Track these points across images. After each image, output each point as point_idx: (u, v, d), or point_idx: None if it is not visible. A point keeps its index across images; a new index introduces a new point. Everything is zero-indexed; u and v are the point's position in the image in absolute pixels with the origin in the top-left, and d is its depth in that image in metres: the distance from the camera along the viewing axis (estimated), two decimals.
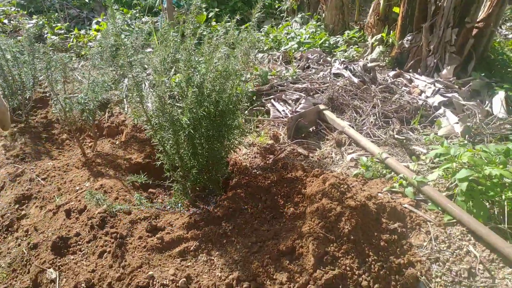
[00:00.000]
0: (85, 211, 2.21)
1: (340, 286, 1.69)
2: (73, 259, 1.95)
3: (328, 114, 2.82)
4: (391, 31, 4.17)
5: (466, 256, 1.84)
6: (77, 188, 2.44)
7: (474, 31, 3.76)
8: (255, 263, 1.85)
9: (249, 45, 2.10)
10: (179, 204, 2.25)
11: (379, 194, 2.18)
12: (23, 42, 3.36)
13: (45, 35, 4.57)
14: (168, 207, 2.35)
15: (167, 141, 2.18)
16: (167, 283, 1.72)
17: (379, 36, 4.03)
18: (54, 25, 4.98)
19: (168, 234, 2.03)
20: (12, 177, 2.63)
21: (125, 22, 4.44)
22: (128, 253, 1.93)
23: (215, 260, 1.90)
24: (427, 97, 3.28)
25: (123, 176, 2.60)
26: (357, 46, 4.53)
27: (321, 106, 2.88)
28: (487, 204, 2.04)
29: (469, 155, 2.07)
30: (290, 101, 3.09)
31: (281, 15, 6.48)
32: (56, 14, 5.36)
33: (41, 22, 4.92)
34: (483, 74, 3.66)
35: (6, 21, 5.24)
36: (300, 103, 3.03)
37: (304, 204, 2.14)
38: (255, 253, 1.91)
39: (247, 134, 2.36)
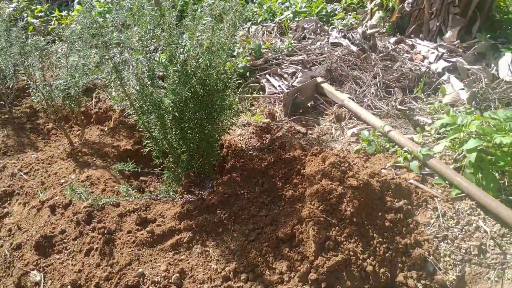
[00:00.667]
0: (71, 205, 2.09)
1: (344, 273, 1.59)
2: (58, 258, 1.85)
3: (327, 87, 2.65)
4: None
5: (476, 232, 1.73)
6: (62, 181, 2.32)
7: None
8: (253, 252, 1.74)
9: (236, 16, 1.92)
10: (171, 192, 2.12)
11: (383, 170, 2.05)
12: None
13: (25, 19, 4.36)
14: (160, 196, 2.23)
15: (154, 126, 2.04)
16: (159, 280, 1.62)
17: (378, 0, 3.79)
18: (34, 7, 4.74)
19: (159, 226, 1.92)
20: None
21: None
22: (116, 249, 1.83)
23: (210, 251, 1.80)
24: (430, 63, 3.09)
25: (111, 166, 2.47)
26: (355, 13, 4.29)
27: (319, 79, 2.70)
28: (497, 175, 1.91)
29: (477, 124, 1.93)
30: (286, 75, 2.92)
31: None
32: None
33: (22, 6, 4.69)
34: (488, 35, 3.45)
35: None
36: (296, 77, 2.86)
37: (303, 186, 2.01)
38: (253, 241, 1.80)
39: (241, 114, 2.20)
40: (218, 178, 2.30)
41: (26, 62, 2.45)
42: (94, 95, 3.26)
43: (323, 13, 4.27)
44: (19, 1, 5.05)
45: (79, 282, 1.71)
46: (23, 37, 2.60)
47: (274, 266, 1.68)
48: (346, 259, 1.61)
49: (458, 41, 3.36)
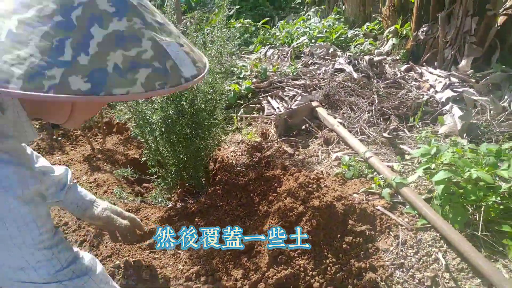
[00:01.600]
0: None
1: (291, 287, 1.68)
2: None
3: (320, 111, 2.76)
4: (409, 22, 3.95)
5: (434, 264, 1.74)
6: (75, 181, 2.60)
7: (502, 19, 3.45)
8: (216, 258, 1.88)
9: (221, 43, 2.11)
10: (160, 199, 2.33)
11: (355, 195, 2.11)
12: None
13: None
14: (154, 202, 2.44)
15: (148, 138, 2.27)
16: (131, 273, 1.81)
17: (392, 27, 3.83)
18: None
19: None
20: None
21: None
22: (103, 243, 2.05)
23: (181, 254, 1.96)
24: (436, 92, 3.08)
25: (117, 171, 2.73)
26: (373, 39, 4.35)
27: (314, 103, 2.82)
28: (469, 209, 1.90)
29: (450, 156, 1.94)
30: (286, 98, 3.06)
31: (303, 9, 6.38)
32: None
33: None
34: (504, 66, 3.36)
35: None
36: (295, 100, 2.99)
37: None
38: (220, 250, 1.94)
39: (227, 133, 2.38)
40: (207, 190, 2.48)
41: None
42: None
43: (342, 38, 4.37)
44: None
45: None
46: None
47: (231, 273, 1.81)
48: (295, 273, 1.70)
49: (472, 70, 3.30)
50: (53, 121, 1.01)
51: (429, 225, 1.86)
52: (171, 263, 1.92)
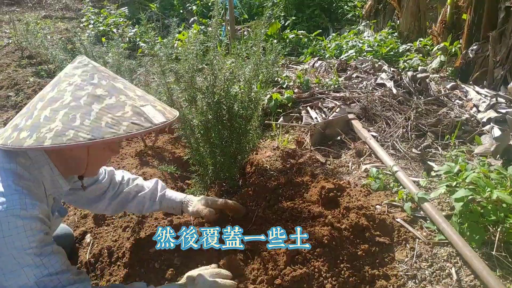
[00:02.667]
0: None
1: (305, 285, 1.82)
2: (105, 229, 2.42)
3: (355, 123, 2.86)
4: (460, 40, 3.89)
5: (446, 278, 1.79)
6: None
7: None
8: (238, 254, 2.08)
9: (258, 57, 2.31)
10: (197, 195, 2.58)
11: (378, 206, 2.20)
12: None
13: (138, 43, 5.41)
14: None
15: (191, 139, 2.54)
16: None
17: (441, 44, 3.80)
18: (144, 34, 5.83)
19: (178, 218, 2.37)
20: None
21: (201, 31, 4.99)
22: (143, 229, 2.33)
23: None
24: (478, 111, 3.04)
25: (162, 166, 3.04)
26: (423, 55, 4.31)
27: (350, 116, 2.92)
28: (490, 229, 1.92)
29: (473, 175, 1.97)
30: (325, 109, 3.19)
31: (358, 21, 6.42)
32: (153, 23, 6.25)
33: (138, 31, 5.84)
34: None
35: (115, 30, 6.31)
36: (334, 112, 3.12)
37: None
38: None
39: (261, 139, 2.57)
40: (240, 190, 2.69)
41: None
42: None
43: (392, 53, 4.38)
44: (139, 27, 6.25)
45: (112, 248, 2.24)
46: (121, 60, 3.39)
47: (252, 267, 1.99)
48: (309, 273, 1.83)
49: None
50: (77, 173, 1.52)
51: (446, 241, 1.91)
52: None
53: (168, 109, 1.44)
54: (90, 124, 1.19)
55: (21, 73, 5.87)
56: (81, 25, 7.23)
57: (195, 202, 2.04)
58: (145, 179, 2.85)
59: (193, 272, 1.74)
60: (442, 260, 1.85)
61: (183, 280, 1.73)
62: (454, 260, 1.85)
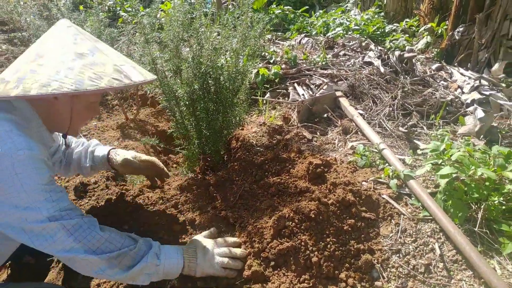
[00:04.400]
0: None
1: (291, 258, 1.82)
2: (87, 201, 2.34)
3: (343, 101, 2.84)
4: (446, 22, 3.89)
5: (430, 253, 1.82)
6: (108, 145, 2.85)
7: None
8: (224, 222, 2.06)
9: (247, 26, 2.24)
10: (183, 169, 2.52)
11: (364, 182, 2.21)
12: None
13: (118, 12, 5.18)
14: (177, 172, 2.64)
15: (176, 111, 2.46)
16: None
17: (428, 25, 3.80)
18: (125, 2, 5.58)
19: (162, 192, 2.32)
20: None
21: (186, 1, 4.80)
22: (125, 202, 2.27)
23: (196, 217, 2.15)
24: (462, 93, 3.08)
25: (144, 139, 2.95)
26: (410, 36, 4.31)
27: (338, 93, 2.90)
28: (472, 207, 1.96)
29: (459, 154, 1.99)
30: (312, 86, 3.15)
31: None
32: None
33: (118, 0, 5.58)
34: None
35: None
36: (321, 89, 3.08)
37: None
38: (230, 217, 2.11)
39: (248, 113, 2.52)
40: (228, 165, 2.65)
41: None
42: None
43: (378, 32, 4.36)
44: None
45: None
46: (101, 28, 3.23)
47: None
48: (296, 247, 1.83)
49: (504, 75, 3.26)
50: (61, 130, 1.58)
51: (430, 217, 1.94)
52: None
53: (146, 72, 1.53)
54: (73, 77, 1.28)
55: None
56: None
57: (122, 153, 2.03)
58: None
59: (200, 238, 1.77)
60: (426, 236, 1.89)
61: (190, 243, 1.72)
62: (438, 236, 1.88)
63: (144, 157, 2.07)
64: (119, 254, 1.38)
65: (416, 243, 1.87)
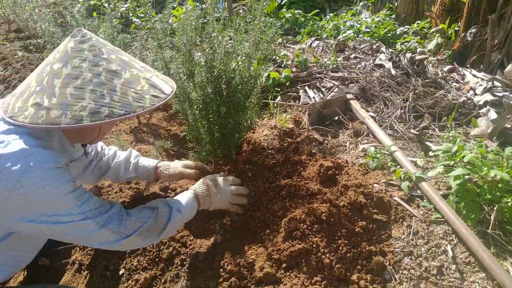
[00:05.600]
0: None
1: (303, 260, 1.83)
2: None
3: (354, 104, 2.85)
4: (458, 23, 3.87)
5: (442, 255, 1.82)
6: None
7: None
8: (238, 227, 2.09)
9: (259, 31, 2.27)
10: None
11: (375, 184, 2.21)
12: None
13: (130, 18, 5.27)
14: None
15: (189, 114, 2.50)
16: None
17: (439, 27, 3.78)
18: (138, 9, 5.68)
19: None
20: None
21: (197, 7, 4.87)
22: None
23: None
24: (475, 94, 3.06)
25: (158, 142, 3.00)
26: (421, 38, 4.29)
27: (349, 96, 2.91)
28: (485, 208, 1.95)
29: (471, 155, 1.99)
30: (323, 89, 3.17)
31: (355, 2, 6.34)
32: None
33: (131, 7, 5.68)
34: None
35: (106, 4, 6.13)
36: (332, 92, 3.10)
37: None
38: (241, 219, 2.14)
39: (260, 116, 2.55)
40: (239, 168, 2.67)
41: None
42: None
43: (389, 35, 4.35)
44: (131, 2, 6.08)
45: None
46: (115, 34, 3.30)
47: (250, 242, 2.00)
48: (307, 249, 1.85)
49: None
50: (85, 142, 1.57)
51: (443, 219, 1.93)
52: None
53: (167, 78, 1.54)
54: (119, 100, 1.28)
55: (8, 47, 5.70)
56: None
57: (173, 165, 2.08)
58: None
59: (211, 176, 1.90)
60: (438, 238, 1.88)
61: (203, 182, 1.84)
62: (450, 238, 1.88)
63: (192, 164, 2.13)
64: (148, 226, 1.50)
65: (428, 245, 1.87)
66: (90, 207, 1.35)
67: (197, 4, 5.24)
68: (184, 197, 1.72)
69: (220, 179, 1.89)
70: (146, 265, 1.94)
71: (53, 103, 1.26)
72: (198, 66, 2.18)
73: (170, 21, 5.13)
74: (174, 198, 1.71)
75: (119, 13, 5.92)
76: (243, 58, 2.30)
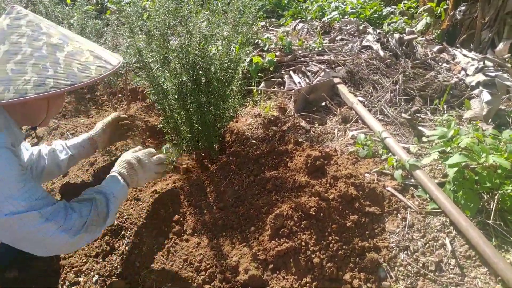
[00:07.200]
0: (95, 163, 2.46)
1: (291, 260, 1.69)
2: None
3: (341, 88, 2.69)
4: (447, 1, 3.72)
5: (440, 249, 1.70)
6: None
7: None
8: (220, 224, 1.93)
9: (236, 11, 2.07)
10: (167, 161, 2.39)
11: (366, 174, 2.07)
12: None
13: (105, 4, 4.98)
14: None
15: (165, 105, 2.30)
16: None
17: (427, 6, 3.62)
18: None
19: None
20: (49, 131, 3.01)
21: None
22: None
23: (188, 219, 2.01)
24: (467, 75, 2.93)
25: (136, 136, 2.81)
26: (409, 18, 4.14)
27: (336, 80, 2.75)
28: (484, 197, 1.83)
29: (468, 140, 1.85)
30: (309, 73, 2.99)
31: None
32: None
33: None
34: None
35: None
36: (318, 76, 2.93)
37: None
38: (225, 215, 1.98)
39: (242, 105, 2.37)
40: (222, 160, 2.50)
41: None
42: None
43: (376, 15, 4.19)
44: None
45: None
46: (85, 20, 3.06)
47: (233, 240, 1.85)
48: (296, 247, 1.71)
49: (509, 55, 3.10)
50: (34, 124, 1.52)
51: (439, 210, 1.81)
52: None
53: (113, 53, 1.56)
54: (64, 71, 1.28)
55: None
56: None
57: (99, 132, 2.16)
58: (116, 149, 2.65)
59: (130, 153, 1.90)
60: (435, 230, 1.76)
61: (123, 161, 1.83)
62: (448, 230, 1.75)
63: (107, 120, 2.25)
64: (92, 221, 1.46)
65: (425, 238, 1.74)
66: (36, 196, 1.30)
67: None
68: (113, 181, 1.69)
69: (140, 154, 1.88)
70: (122, 270, 1.78)
71: None
72: (172, 52, 1.98)
73: (146, 5, 4.86)
74: (103, 184, 1.67)
75: (95, 0, 5.60)
76: (222, 42, 2.11)
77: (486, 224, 1.72)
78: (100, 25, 3.02)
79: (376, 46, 3.10)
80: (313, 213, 1.78)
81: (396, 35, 3.19)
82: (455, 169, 1.77)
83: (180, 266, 1.74)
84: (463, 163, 1.78)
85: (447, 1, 3.70)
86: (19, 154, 1.44)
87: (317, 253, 1.70)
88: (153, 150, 2.00)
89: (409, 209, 1.85)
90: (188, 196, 2.13)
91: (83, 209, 1.45)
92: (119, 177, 1.71)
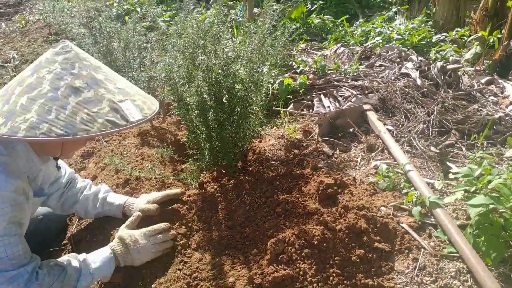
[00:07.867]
0: (119, 172, 2.57)
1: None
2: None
3: (370, 115, 2.59)
4: (502, 30, 3.47)
5: None
6: (125, 152, 2.83)
7: None
8: (225, 241, 1.91)
9: (262, 35, 2.10)
10: (188, 179, 2.42)
11: (382, 207, 1.95)
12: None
13: (158, 22, 5.29)
14: (188, 180, 2.53)
15: (188, 120, 2.37)
16: None
17: (478, 34, 3.40)
18: (165, 13, 5.70)
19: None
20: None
21: (221, 11, 4.78)
22: None
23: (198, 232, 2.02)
24: None
25: (158, 150, 2.90)
26: (459, 46, 3.91)
27: (366, 106, 2.65)
28: (511, 245, 1.64)
29: (498, 181, 1.68)
30: (340, 98, 2.93)
31: (390, 8, 5.98)
32: (176, 4, 6.14)
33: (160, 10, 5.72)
34: None
35: (139, 9, 6.23)
36: (349, 101, 2.85)
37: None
38: (229, 237, 1.96)
39: (263, 125, 2.37)
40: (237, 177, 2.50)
41: (127, 55, 3.08)
42: None
43: (423, 42, 4.01)
44: (162, 7, 6.13)
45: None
46: (129, 36, 3.26)
47: (234, 261, 1.82)
48: (293, 276, 1.64)
49: None
50: (52, 155, 1.56)
51: (457, 255, 1.65)
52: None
53: (148, 103, 1.44)
54: (65, 119, 1.21)
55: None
56: (107, 3, 7.22)
57: (137, 203, 1.98)
58: (142, 159, 2.74)
59: (125, 232, 1.76)
60: (449, 277, 1.60)
61: (119, 240, 1.73)
62: (464, 278, 1.59)
63: (158, 197, 2.05)
64: None
65: (436, 283, 1.59)
66: (11, 251, 1.31)
67: (224, 8, 5.17)
68: (100, 256, 1.63)
69: (137, 234, 1.75)
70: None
71: (3, 110, 1.23)
72: (199, 70, 2.05)
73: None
74: (92, 254, 1.63)
75: (150, 17, 5.98)
76: (246, 63, 2.13)
77: (508, 276, 1.53)
78: (143, 41, 3.20)
79: (415, 74, 2.96)
80: (316, 242, 1.70)
81: (439, 64, 3.02)
82: (478, 210, 1.60)
83: (175, 278, 1.74)
84: (490, 206, 1.62)
85: (502, 30, 3.45)
86: (27, 191, 1.43)
87: (315, 284, 1.61)
88: (160, 227, 1.84)
89: (422, 249, 1.71)
90: (200, 211, 2.14)
91: (47, 279, 1.42)
92: (110, 254, 1.65)
